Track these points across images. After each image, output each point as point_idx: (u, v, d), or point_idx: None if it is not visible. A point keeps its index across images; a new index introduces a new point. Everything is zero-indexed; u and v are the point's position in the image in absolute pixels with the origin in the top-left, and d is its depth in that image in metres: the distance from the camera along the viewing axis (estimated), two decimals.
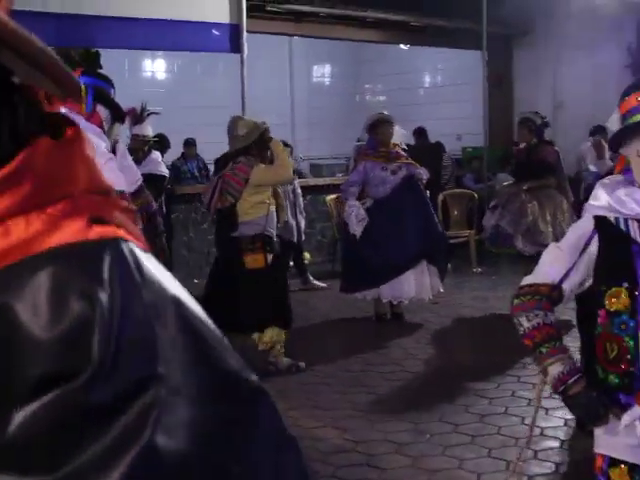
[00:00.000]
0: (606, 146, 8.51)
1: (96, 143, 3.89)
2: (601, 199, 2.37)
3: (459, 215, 11.19)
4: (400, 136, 7.91)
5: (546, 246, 2.61)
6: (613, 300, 2.27)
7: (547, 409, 4.95)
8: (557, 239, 4.72)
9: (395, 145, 7.76)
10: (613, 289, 2.28)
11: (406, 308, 7.85)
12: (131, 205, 0.88)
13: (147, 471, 0.70)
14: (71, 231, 0.74)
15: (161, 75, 14.63)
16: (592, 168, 9.75)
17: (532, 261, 2.57)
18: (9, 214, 0.72)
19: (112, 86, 4.93)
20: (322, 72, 16.89)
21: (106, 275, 0.72)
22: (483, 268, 10.26)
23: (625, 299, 2.25)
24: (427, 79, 16.15)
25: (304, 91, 15.90)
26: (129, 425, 0.69)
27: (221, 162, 6.16)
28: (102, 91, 4.75)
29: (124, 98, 5.44)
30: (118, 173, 4.40)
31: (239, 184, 5.90)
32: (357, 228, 7.46)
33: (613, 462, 2.37)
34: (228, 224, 5.94)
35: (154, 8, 9.03)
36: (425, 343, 7.06)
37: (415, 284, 7.54)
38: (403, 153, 7.79)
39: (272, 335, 6.03)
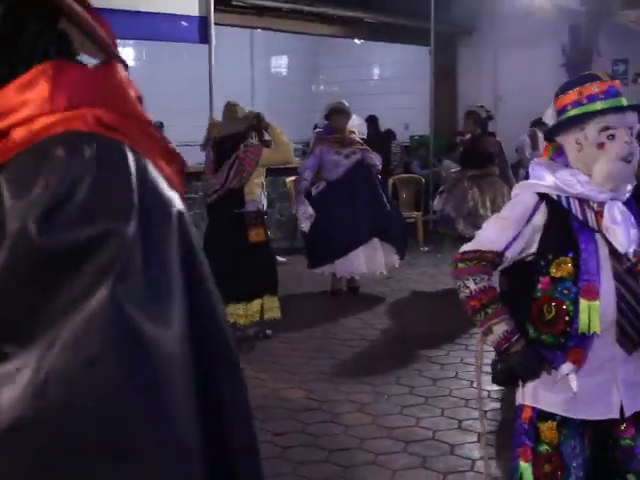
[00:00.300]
0: (541, 137, 8.67)
1: None
2: (547, 179, 2.42)
3: (407, 198, 11.28)
4: (358, 125, 7.92)
5: None
6: (559, 268, 2.34)
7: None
8: None
9: (351, 132, 7.73)
10: (560, 258, 2.35)
11: (362, 282, 7.92)
12: (168, 142, 0.85)
13: (105, 320, 0.66)
14: (74, 125, 0.74)
15: (130, 62, 14.34)
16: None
17: None
18: (33, 115, 0.74)
19: None
20: (280, 63, 16.81)
21: (87, 153, 0.71)
22: (430, 247, 10.33)
23: (569, 267, 2.33)
24: (377, 72, 16.15)
25: (264, 80, 15.82)
26: (90, 273, 0.67)
27: (220, 144, 6.09)
28: None
29: None
30: None
31: (250, 166, 5.93)
32: (305, 224, 7.48)
33: (543, 416, 2.44)
34: (235, 202, 5.96)
35: (127, 0, 8.93)
36: (381, 314, 7.13)
37: (366, 261, 7.56)
38: (358, 139, 7.75)
39: (270, 302, 6.15)
